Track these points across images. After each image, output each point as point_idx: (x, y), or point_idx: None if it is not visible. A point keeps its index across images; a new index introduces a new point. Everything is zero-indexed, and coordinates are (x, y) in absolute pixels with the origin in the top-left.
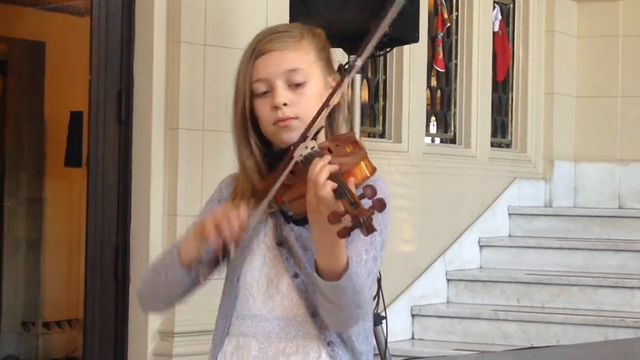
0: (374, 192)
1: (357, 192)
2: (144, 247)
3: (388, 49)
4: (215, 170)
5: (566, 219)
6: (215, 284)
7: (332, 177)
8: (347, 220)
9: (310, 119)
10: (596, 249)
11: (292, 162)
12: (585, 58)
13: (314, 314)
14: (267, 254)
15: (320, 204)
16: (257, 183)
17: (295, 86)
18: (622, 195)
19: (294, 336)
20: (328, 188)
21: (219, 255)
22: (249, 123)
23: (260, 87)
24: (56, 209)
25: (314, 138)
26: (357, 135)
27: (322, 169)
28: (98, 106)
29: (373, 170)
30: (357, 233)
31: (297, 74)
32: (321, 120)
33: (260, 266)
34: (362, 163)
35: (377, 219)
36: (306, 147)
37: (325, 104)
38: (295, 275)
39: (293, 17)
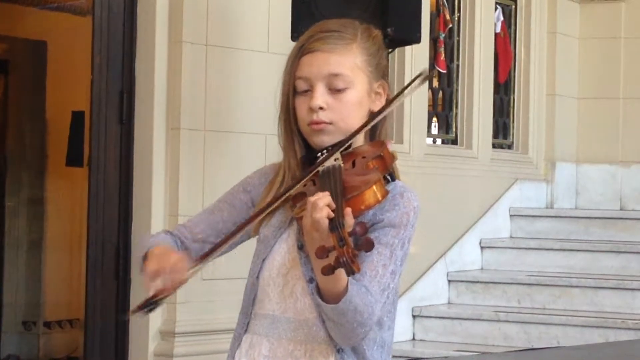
0: (364, 230)
1: (352, 225)
2: None
3: (390, 50)
4: (217, 171)
5: (567, 220)
6: (215, 284)
7: (334, 206)
8: (332, 258)
9: (345, 125)
10: (597, 251)
11: (312, 173)
12: (587, 59)
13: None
14: (287, 255)
15: (314, 229)
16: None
17: (336, 91)
18: (624, 196)
19: (303, 339)
20: (324, 216)
21: (148, 303)
22: (292, 119)
23: (302, 85)
24: (57, 209)
25: (347, 147)
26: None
27: (319, 198)
28: (100, 106)
29: (383, 195)
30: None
31: (339, 79)
32: (359, 137)
33: (279, 266)
34: (374, 187)
35: (397, 256)
36: (329, 158)
37: (366, 124)
38: (311, 280)
39: (295, 18)
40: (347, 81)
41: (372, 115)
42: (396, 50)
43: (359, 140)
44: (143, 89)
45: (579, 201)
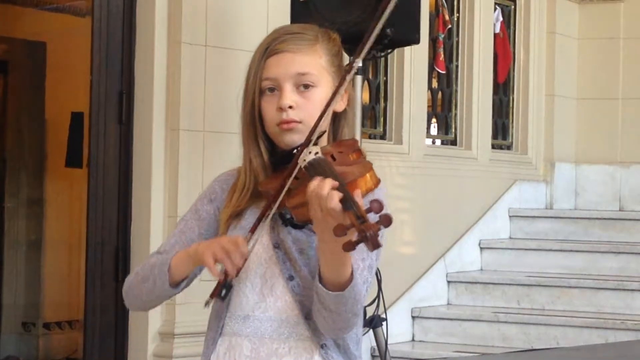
0: (381, 206)
1: (363, 205)
2: (145, 248)
3: (389, 51)
4: (216, 172)
5: (567, 221)
6: (215, 285)
7: (339, 188)
8: (352, 234)
9: (314, 123)
10: (597, 252)
11: (297, 168)
12: (586, 60)
13: (307, 316)
14: (263, 254)
15: (328, 215)
16: (260, 181)
17: (303, 89)
18: (623, 197)
19: (286, 337)
20: (335, 199)
21: (221, 288)
22: (257, 121)
23: (268, 85)
24: (57, 210)
25: (316, 143)
26: (358, 139)
27: (321, 182)
28: (99, 107)
29: (377, 182)
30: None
31: (306, 78)
32: (324, 123)
33: (255, 267)
34: (367, 175)
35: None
36: (309, 152)
37: (327, 106)
38: (291, 278)
39: (294, 18)
40: (314, 79)
41: (337, 85)
42: (395, 51)
43: (323, 142)
44: (142, 90)
45: (578, 202)
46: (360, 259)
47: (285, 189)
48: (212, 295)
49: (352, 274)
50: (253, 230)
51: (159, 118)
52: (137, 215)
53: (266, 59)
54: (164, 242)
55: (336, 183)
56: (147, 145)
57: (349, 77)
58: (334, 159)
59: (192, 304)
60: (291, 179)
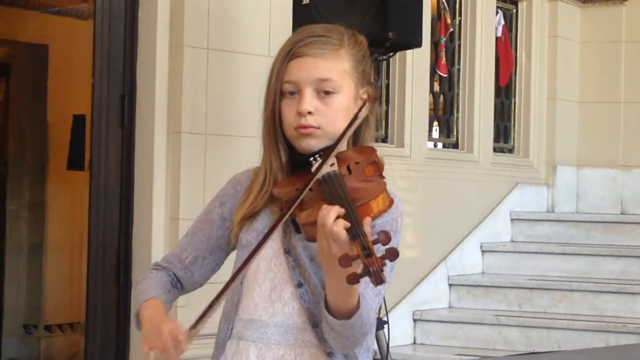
0: (388, 238)
1: (371, 234)
2: (146, 250)
3: (391, 54)
4: (218, 174)
5: (568, 224)
6: (216, 288)
7: (347, 215)
8: (357, 266)
9: (332, 129)
10: (598, 255)
11: (312, 181)
12: (588, 63)
13: (315, 324)
14: (274, 259)
15: (333, 244)
16: (277, 183)
17: (324, 95)
18: (625, 201)
19: (292, 344)
20: (340, 227)
21: None
22: (277, 123)
23: (290, 88)
24: (58, 212)
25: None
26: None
27: (329, 211)
28: (101, 110)
29: (390, 203)
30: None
31: (328, 84)
32: (345, 139)
33: (265, 271)
34: (380, 197)
35: (388, 267)
36: (325, 164)
37: (350, 125)
38: (300, 285)
39: (296, 21)
40: (336, 86)
41: (355, 114)
42: (397, 54)
43: (342, 146)
44: (144, 93)
45: (580, 205)
46: (369, 286)
47: (297, 202)
48: None
49: (358, 301)
50: (197, 323)
51: (161, 121)
52: (138, 218)
53: (289, 61)
54: (178, 242)
55: (342, 211)
56: (149, 148)
57: (361, 114)
58: (349, 170)
59: (192, 306)
60: (306, 189)
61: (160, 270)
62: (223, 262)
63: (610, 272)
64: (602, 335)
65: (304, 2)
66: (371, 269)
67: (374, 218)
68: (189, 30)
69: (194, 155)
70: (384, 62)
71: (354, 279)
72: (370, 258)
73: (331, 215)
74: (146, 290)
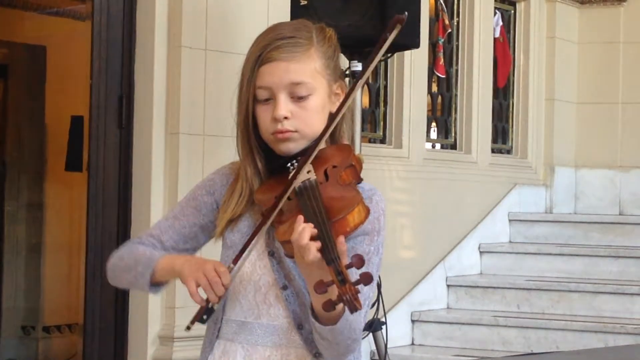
0: (362, 262)
1: (350, 248)
2: None
3: (389, 55)
4: None
5: (566, 225)
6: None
7: (320, 236)
8: (332, 292)
9: (310, 130)
10: (596, 256)
11: (289, 192)
12: (586, 64)
13: (300, 325)
14: (258, 262)
15: (307, 266)
16: (255, 188)
17: (299, 99)
18: (623, 201)
19: (279, 344)
20: (314, 250)
21: (203, 313)
22: (251, 128)
23: (263, 94)
24: (57, 213)
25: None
26: (357, 143)
27: (302, 231)
28: (99, 111)
29: (367, 214)
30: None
31: (301, 87)
32: (323, 141)
33: (249, 273)
34: (356, 208)
35: (373, 263)
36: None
37: (328, 125)
38: (284, 287)
39: None
40: (309, 87)
41: (340, 103)
42: (395, 55)
43: (322, 143)
44: (142, 94)
45: (578, 206)
46: None
47: (275, 212)
48: (193, 321)
49: (344, 306)
50: (236, 261)
51: (159, 122)
52: (136, 219)
53: (259, 67)
54: (156, 223)
55: (315, 231)
56: (147, 149)
57: (352, 95)
58: (326, 176)
59: (191, 308)
60: (282, 201)
61: (143, 246)
62: (201, 247)
63: (608, 273)
64: (600, 335)
65: (302, 3)
66: (344, 298)
67: (350, 232)
68: (187, 31)
69: (192, 156)
70: (382, 63)
71: (329, 307)
72: (344, 286)
73: (304, 237)
74: (149, 252)
